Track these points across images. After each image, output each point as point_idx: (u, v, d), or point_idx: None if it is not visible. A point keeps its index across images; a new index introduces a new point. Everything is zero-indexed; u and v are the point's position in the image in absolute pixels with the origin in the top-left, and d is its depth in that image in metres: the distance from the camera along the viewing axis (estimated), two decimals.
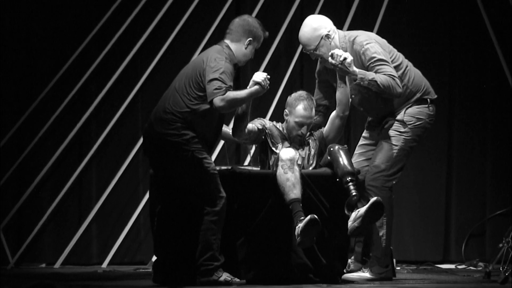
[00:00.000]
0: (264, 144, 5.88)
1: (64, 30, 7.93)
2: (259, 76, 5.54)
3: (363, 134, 6.06)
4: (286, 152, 5.63)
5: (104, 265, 7.69)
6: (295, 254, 5.62)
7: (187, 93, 5.50)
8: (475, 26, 7.92)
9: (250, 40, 5.65)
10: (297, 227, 5.41)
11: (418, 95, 5.83)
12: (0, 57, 7.85)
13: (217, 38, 7.92)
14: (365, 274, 5.81)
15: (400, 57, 5.87)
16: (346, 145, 5.84)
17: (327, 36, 5.80)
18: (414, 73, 5.89)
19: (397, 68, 5.78)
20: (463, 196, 7.92)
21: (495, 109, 7.91)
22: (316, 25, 5.82)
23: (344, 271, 5.77)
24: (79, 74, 7.89)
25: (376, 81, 5.64)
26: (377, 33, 7.81)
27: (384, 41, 5.91)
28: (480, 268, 7.24)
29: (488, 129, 7.93)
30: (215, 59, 5.52)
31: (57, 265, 7.69)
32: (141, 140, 7.76)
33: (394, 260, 6.04)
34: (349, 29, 7.93)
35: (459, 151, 7.94)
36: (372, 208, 5.45)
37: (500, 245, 6.10)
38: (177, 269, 5.64)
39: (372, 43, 5.78)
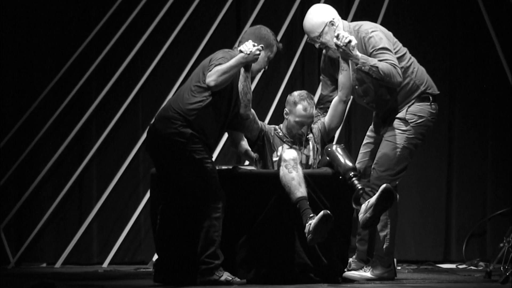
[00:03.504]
0: (262, 149, 5.89)
1: (65, 30, 7.93)
2: (245, 45, 5.54)
3: (368, 133, 6.04)
4: (288, 153, 5.65)
5: (105, 264, 7.69)
6: (295, 253, 5.62)
7: (190, 89, 5.56)
8: (476, 25, 7.91)
9: (261, 47, 5.62)
10: (307, 224, 5.39)
11: (421, 88, 5.81)
12: (0, 57, 7.86)
13: (218, 38, 7.95)
14: (366, 273, 5.79)
15: (404, 50, 5.87)
16: (343, 144, 5.84)
17: (331, 23, 5.78)
18: (418, 67, 5.89)
19: (400, 59, 5.78)
20: (464, 196, 7.91)
21: (496, 108, 7.91)
22: (320, 12, 5.82)
23: (345, 270, 5.78)
24: (80, 74, 7.90)
25: (377, 67, 5.63)
26: None
27: (389, 33, 5.91)
28: (481, 267, 7.24)
29: (488, 128, 7.93)
30: (218, 58, 5.56)
31: (58, 264, 7.69)
32: (141, 140, 7.78)
33: (395, 260, 6.04)
34: None
35: (460, 151, 7.94)
36: (383, 195, 5.44)
37: (501, 244, 6.09)
38: (178, 268, 5.64)
39: (377, 31, 5.78)
